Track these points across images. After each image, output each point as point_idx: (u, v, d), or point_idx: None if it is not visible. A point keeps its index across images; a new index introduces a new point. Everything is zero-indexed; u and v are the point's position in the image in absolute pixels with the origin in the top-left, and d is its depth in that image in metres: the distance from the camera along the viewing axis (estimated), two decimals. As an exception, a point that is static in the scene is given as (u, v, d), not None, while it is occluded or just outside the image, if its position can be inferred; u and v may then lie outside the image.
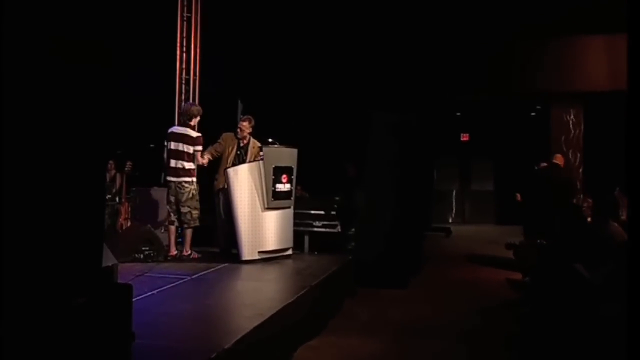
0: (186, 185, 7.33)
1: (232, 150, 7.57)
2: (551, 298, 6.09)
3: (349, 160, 10.66)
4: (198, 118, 7.45)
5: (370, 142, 8.31)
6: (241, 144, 7.61)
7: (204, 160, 7.33)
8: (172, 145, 7.35)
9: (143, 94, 10.54)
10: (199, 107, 7.57)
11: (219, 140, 7.64)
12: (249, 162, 7.34)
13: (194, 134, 7.38)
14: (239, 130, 7.59)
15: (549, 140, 11.90)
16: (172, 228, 7.44)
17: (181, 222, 7.37)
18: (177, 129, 7.49)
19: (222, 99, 11.01)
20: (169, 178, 7.39)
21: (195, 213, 7.35)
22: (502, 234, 11.29)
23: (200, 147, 7.32)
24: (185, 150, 7.34)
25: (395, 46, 11.59)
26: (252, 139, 7.62)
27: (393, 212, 8.06)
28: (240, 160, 7.53)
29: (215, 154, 7.56)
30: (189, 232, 7.39)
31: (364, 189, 8.34)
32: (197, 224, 7.38)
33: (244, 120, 7.66)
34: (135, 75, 9.03)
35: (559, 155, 9.88)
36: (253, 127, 7.64)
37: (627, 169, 2.80)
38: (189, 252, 7.37)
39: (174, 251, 7.33)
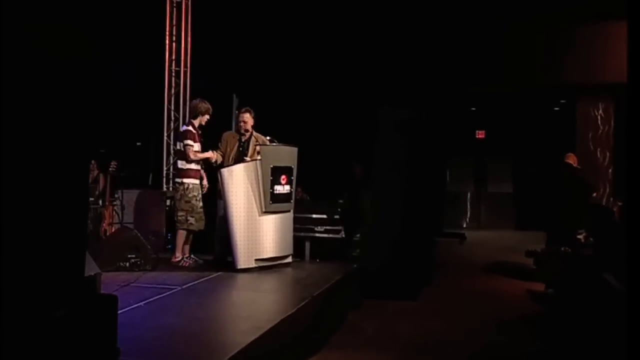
0: (178, 185, 7.47)
1: (233, 147, 7.59)
2: (578, 312, 6.06)
3: (355, 160, 10.67)
4: (206, 117, 7.50)
5: (376, 140, 8.31)
6: (242, 139, 7.61)
7: (200, 155, 7.39)
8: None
9: (129, 86, 10.55)
10: (207, 105, 7.57)
11: (221, 140, 7.67)
12: (252, 159, 7.41)
13: (182, 128, 7.52)
14: (242, 123, 7.57)
15: (574, 137, 11.70)
16: (178, 232, 7.54)
17: (174, 225, 7.54)
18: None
19: (216, 93, 10.97)
20: None
21: (182, 216, 7.38)
22: (522, 240, 11.28)
23: (188, 141, 7.37)
24: (178, 147, 7.56)
25: (402, 33, 11.53)
26: (254, 133, 7.62)
27: (402, 216, 8.05)
28: (242, 157, 7.55)
29: (219, 154, 7.62)
30: (179, 236, 7.47)
31: (369, 191, 8.34)
32: (189, 228, 7.41)
33: (244, 112, 7.64)
34: (121, 66, 9.04)
35: (571, 155, 9.81)
36: (253, 119, 7.64)
37: (627, 168, 2.83)
38: (178, 258, 7.42)
39: (175, 257, 7.46)
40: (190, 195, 7.41)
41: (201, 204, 7.49)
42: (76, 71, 3.08)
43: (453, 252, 12.22)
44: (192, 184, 7.44)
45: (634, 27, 2.79)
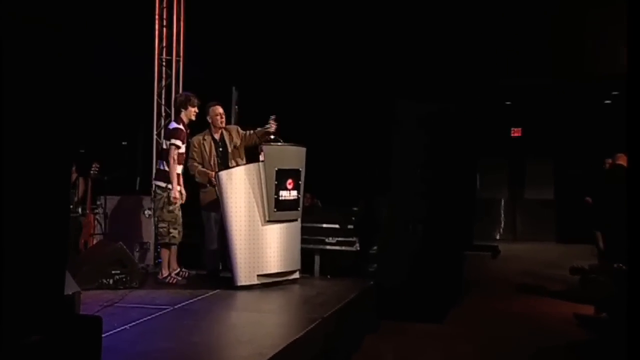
0: (158, 191, 7.46)
1: (210, 150, 7.67)
2: (635, 340, 6.01)
3: (374, 162, 10.69)
4: (192, 110, 7.52)
5: (395, 138, 8.31)
6: (217, 139, 7.72)
7: (174, 170, 7.38)
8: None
9: (113, 77, 10.59)
10: (191, 97, 7.61)
11: (191, 148, 7.71)
12: (238, 154, 7.47)
13: (172, 125, 7.55)
14: (218, 117, 7.67)
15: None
16: (162, 249, 7.60)
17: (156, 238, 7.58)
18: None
19: (213, 85, 11.02)
20: None
21: (164, 228, 7.40)
22: (566, 254, 11.25)
23: (175, 141, 7.40)
24: (165, 146, 7.59)
25: (425, 14, 11.50)
26: (225, 127, 7.77)
27: (425, 226, 8.04)
28: (224, 157, 7.64)
29: (199, 165, 7.68)
30: (164, 251, 7.52)
31: (388, 198, 8.34)
32: (170, 242, 7.43)
33: (215, 105, 7.74)
34: (102, 53, 9.07)
35: (622, 155, 9.75)
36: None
37: (628, 168, 2.92)
38: (164, 275, 7.44)
39: (162, 272, 7.50)
40: (174, 204, 7.40)
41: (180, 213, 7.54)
42: (52, 58, 3.08)
43: (484, 268, 12.19)
44: (172, 189, 7.43)
45: (634, 27, 2.82)
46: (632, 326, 2.81)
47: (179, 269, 7.54)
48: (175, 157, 7.37)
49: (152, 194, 7.59)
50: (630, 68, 2.80)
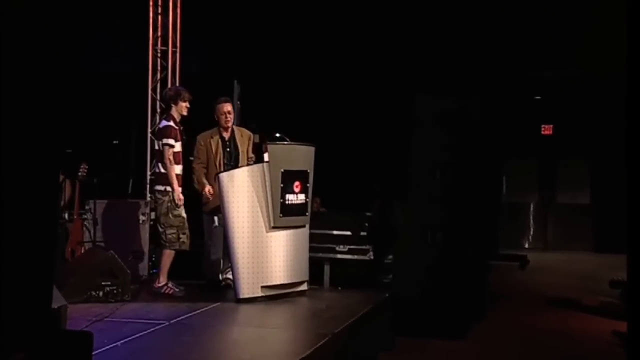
0: (159, 195, 7.53)
1: (217, 149, 7.75)
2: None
3: (389, 163, 10.68)
4: (183, 105, 7.55)
5: (413, 137, 8.31)
6: (225, 138, 7.81)
7: (172, 171, 7.44)
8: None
9: (103, 70, 10.63)
10: (181, 91, 7.65)
11: (196, 146, 7.85)
12: (249, 158, 7.49)
13: (162, 123, 7.61)
14: (224, 116, 7.75)
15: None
16: (165, 253, 7.63)
17: (159, 244, 7.63)
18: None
19: (213, 79, 11.06)
20: None
21: (173, 234, 7.44)
22: (603, 266, 11.20)
23: (168, 140, 7.45)
24: (157, 147, 7.65)
25: (444, 1, 11.50)
26: (235, 127, 7.88)
27: (445, 233, 8.04)
28: (233, 158, 7.72)
29: (203, 166, 7.76)
30: (166, 257, 7.55)
31: (404, 202, 8.34)
32: (177, 247, 7.47)
33: (225, 102, 7.82)
34: (92, 44, 9.10)
35: None
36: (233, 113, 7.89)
37: (627, 168, 2.94)
38: (162, 283, 7.49)
39: (156, 282, 7.53)
40: (179, 207, 7.46)
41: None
42: (32, 48, 3.09)
43: (511, 280, 12.16)
44: (173, 192, 7.48)
45: (634, 26, 2.86)
46: (632, 326, 2.84)
47: (164, 283, 7.56)
48: (171, 157, 7.40)
49: (153, 199, 7.64)
50: (630, 68, 2.84)
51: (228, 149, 7.77)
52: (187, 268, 7.93)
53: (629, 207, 3.10)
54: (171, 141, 7.43)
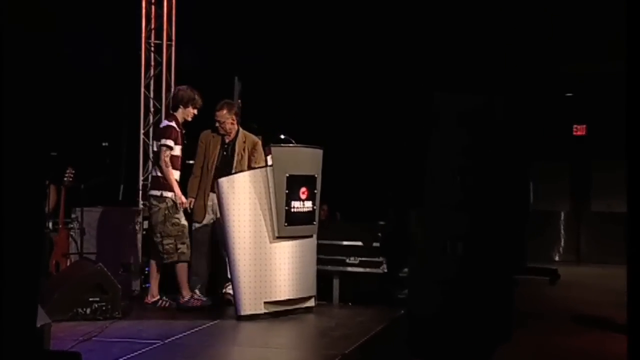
0: (154, 202, 7.60)
1: (214, 150, 7.88)
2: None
3: (404, 167, 10.67)
4: (191, 111, 7.66)
5: (431, 138, 8.31)
6: (226, 141, 7.93)
7: (170, 174, 7.55)
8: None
9: (91, 67, 10.66)
10: (193, 95, 7.71)
11: (198, 143, 7.98)
12: (249, 165, 7.53)
13: (164, 123, 7.70)
14: (216, 124, 7.89)
15: None
16: (177, 267, 7.72)
17: (156, 256, 7.72)
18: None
19: (211, 75, 11.08)
20: None
21: (170, 244, 7.49)
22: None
23: (166, 141, 7.54)
24: (155, 148, 7.78)
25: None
26: (241, 132, 7.94)
27: (466, 244, 8.04)
28: (225, 163, 7.81)
29: (198, 171, 7.94)
30: (180, 270, 7.65)
31: (421, 210, 8.34)
32: (180, 259, 7.53)
33: (219, 109, 7.90)
34: (79, 39, 9.14)
35: None
36: (238, 116, 7.99)
37: (628, 168, 2.96)
38: (186, 298, 7.60)
39: (149, 297, 7.68)
40: (177, 215, 7.50)
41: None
42: (14, 44, 3.11)
43: (541, 296, 12.13)
44: (172, 199, 7.53)
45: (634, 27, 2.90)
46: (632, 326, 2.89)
47: (158, 297, 7.60)
48: (167, 159, 7.45)
49: (148, 206, 7.68)
50: (630, 68, 2.88)
51: (225, 153, 7.83)
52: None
53: (630, 209, 3.13)
54: (170, 142, 7.49)
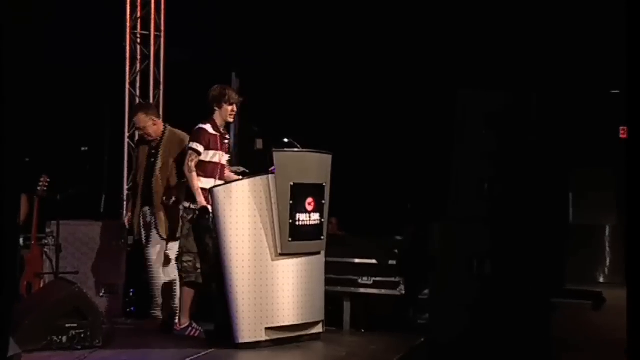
0: (183, 214, 7.70)
1: (143, 159, 8.21)
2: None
3: (424, 175, 10.68)
4: (228, 109, 7.72)
5: (454, 142, 8.32)
6: (153, 145, 8.18)
7: (194, 180, 7.62)
8: None
9: (69, 63, 10.68)
10: (227, 90, 7.78)
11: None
12: (177, 169, 7.77)
13: (198, 125, 7.76)
14: (138, 131, 8.28)
15: None
16: (183, 289, 7.74)
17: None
18: None
19: (204, 71, 11.10)
20: None
21: (189, 262, 7.60)
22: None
23: (193, 144, 7.63)
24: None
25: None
26: (168, 130, 8.18)
27: (495, 262, 8.03)
28: (150, 168, 8.06)
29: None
30: (186, 292, 7.67)
31: (443, 223, 8.33)
32: (193, 279, 7.60)
33: (135, 114, 8.24)
34: (55, 32, 9.15)
35: None
36: (156, 116, 8.24)
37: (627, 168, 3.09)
38: (184, 325, 7.63)
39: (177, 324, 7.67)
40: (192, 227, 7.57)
41: None
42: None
43: (583, 323, 12.10)
44: (194, 209, 7.57)
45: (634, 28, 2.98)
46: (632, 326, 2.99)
47: (188, 324, 7.62)
48: (192, 164, 7.50)
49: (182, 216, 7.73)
50: (631, 67, 2.97)
51: (152, 159, 7.97)
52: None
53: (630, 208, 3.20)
54: (196, 146, 7.54)
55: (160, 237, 8.06)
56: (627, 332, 3.08)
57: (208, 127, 7.64)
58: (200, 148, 7.56)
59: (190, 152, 7.56)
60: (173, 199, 7.96)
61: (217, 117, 7.72)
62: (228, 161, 7.96)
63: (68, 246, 8.76)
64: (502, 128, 8.22)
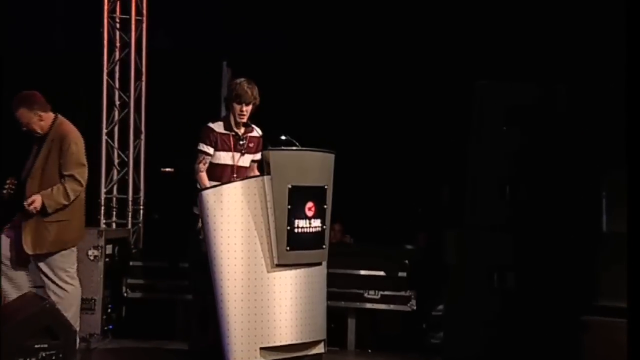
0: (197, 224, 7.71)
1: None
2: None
3: (437, 178, 10.72)
4: (236, 107, 7.71)
5: (472, 140, 8.35)
6: (38, 142, 8.01)
7: (203, 179, 7.72)
8: None
9: (39, 50, 10.72)
10: (235, 86, 7.79)
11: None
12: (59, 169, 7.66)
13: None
14: (23, 128, 8.01)
15: None
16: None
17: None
18: None
19: (192, 60, 11.14)
20: None
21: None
22: None
23: (199, 145, 7.71)
24: None
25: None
26: (57, 124, 7.97)
27: (518, 275, 8.06)
28: (29, 169, 7.92)
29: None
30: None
31: (460, 231, 8.36)
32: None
33: (16, 109, 7.92)
34: (22, 18, 9.20)
35: None
36: (43, 110, 7.93)
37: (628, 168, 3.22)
38: None
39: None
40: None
41: None
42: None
43: (617, 344, 12.10)
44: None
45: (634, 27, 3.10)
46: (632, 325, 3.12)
47: None
48: (199, 165, 7.57)
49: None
50: (631, 67, 3.08)
51: (34, 159, 7.97)
52: (157, 326, 8.01)
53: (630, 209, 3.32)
54: (204, 147, 7.63)
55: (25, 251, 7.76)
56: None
57: (215, 126, 7.69)
58: (207, 149, 7.63)
59: (198, 154, 7.64)
60: (36, 206, 7.69)
61: (231, 116, 7.78)
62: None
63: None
64: (525, 124, 8.25)
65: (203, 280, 7.43)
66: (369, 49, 11.79)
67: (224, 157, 7.72)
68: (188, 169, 7.78)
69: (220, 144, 7.69)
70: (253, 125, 7.88)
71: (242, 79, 7.79)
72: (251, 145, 7.87)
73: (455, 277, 8.33)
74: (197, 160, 7.66)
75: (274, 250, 7.11)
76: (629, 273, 3.34)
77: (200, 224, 7.50)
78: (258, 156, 7.88)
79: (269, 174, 7.16)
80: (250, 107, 7.71)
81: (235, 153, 7.75)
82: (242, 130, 7.81)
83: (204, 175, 7.64)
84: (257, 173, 7.85)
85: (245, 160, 7.84)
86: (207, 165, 7.67)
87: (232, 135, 7.74)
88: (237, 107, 7.69)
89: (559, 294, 8.46)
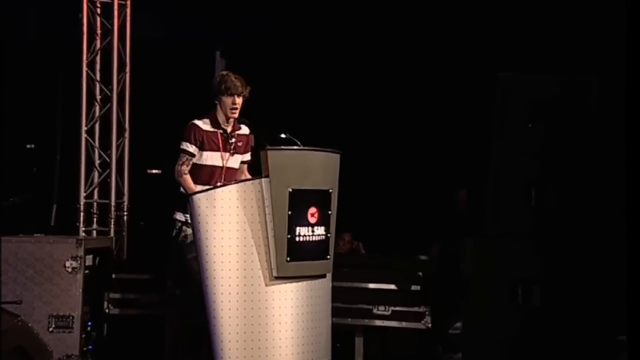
0: (184, 227, 7.78)
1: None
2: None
3: (455, 180, 10.74)
4: (226, 100, 7.75)
5: (493, 137, 8.37)
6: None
7: (188, 182, 7.73)
8: None
9: (12, 36, 10.73)
10: (224, 78, 7.83)
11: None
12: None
13: None
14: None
15: None
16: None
17: None
18: None
19: (182, 49, 11.16)
20: None
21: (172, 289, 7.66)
22: None
23: (181, 144, 7.74)
24: None
25: None
26: None
27: (545, 288, 8.08)
28: None
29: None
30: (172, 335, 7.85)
31: (479, 240, 8.37)
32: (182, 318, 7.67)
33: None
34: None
35: None
36: None
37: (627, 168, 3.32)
38: None
39: None
40: (187, 247, 7.61)
41: None
42: None
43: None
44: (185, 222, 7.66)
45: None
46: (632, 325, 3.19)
47: None
48: (182, 167, 7.58)
49: (174, 232, 7.77)
50: (631, 67, 3.22)
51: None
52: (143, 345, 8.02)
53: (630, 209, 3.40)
54: (187, 146, 7.65)
55: None
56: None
57: (201, 123, 7.70)
58: (191, 148, 7.65)
59: (180, 154, 7.65)
60: None
61: (219, 112, 7.76)
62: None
63: (9, 268, 8.71)
64: (553, 120, 8.27)
65: (186, 296, 7.47)
66: (379, 36, 11.83)
67: (212, 158, 7.74)
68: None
69: (207, 143, 7.70)
70: (241, 124, 7.92)
71: (227, 71, 7.82)
72: (240, 144, 7.90)
73: (474, 292, 8.35)
74: (180, 161, 7.65)
75: (272, 261, 7.09)
76: (629, 273, 3.39)
77: (183, 232, 7.55)
78: (247, 157, 7.93)
79: (267, 176, 7.14)
80: (241, 100, 7.73)
81: (224, 153, 7.78)
82: (230, 127, 7.84)
83: (188, 178, 7.65)
84: (249, 176, 7.89)
85: (234, 161, 7.88)
86: (189, 167, 7.69)
87: (221, 133, 7.77)
88: (227, 100, 7.70)
89: (590, 310, 8.46)
